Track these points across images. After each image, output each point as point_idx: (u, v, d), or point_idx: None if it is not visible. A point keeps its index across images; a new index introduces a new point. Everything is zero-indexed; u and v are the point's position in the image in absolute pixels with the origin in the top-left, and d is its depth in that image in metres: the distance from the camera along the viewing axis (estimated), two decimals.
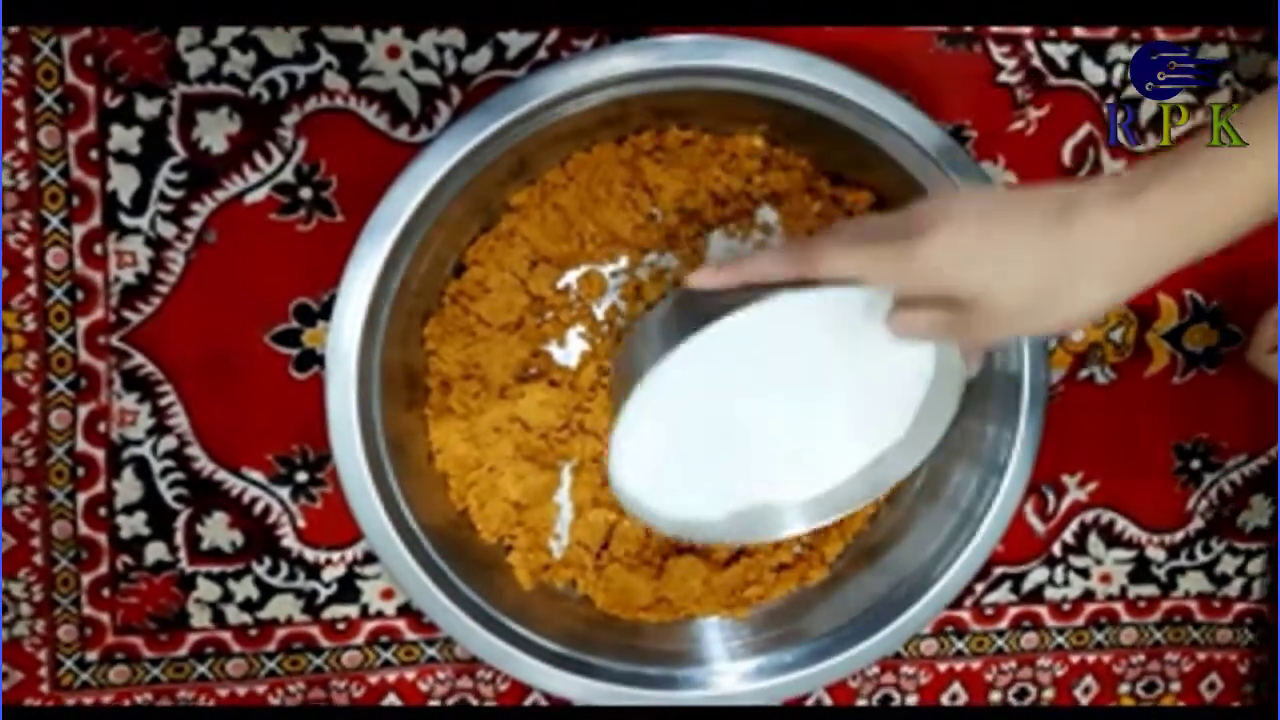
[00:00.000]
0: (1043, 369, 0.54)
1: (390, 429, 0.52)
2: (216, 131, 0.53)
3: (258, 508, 0.57)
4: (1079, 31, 0.58)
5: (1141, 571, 0.65)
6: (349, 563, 0.58)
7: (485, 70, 0.54)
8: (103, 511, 0.55)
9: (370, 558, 0.58)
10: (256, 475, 0.56)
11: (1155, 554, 0.65)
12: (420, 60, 0.53)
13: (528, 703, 0.62)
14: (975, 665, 0.65)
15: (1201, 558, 0.66)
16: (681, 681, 0.56)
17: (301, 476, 0.57)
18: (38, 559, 0.55)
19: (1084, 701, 0.67)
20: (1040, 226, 0.37)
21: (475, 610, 0.53)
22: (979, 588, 0.64)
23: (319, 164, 0.54)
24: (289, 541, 0.57)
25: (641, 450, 0.44)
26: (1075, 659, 0.66)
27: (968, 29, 0.57)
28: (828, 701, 0.64)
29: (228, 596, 0.57)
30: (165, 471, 0.56)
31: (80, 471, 0.55)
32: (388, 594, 0.59)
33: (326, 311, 0.55)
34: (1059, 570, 0.64)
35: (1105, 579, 0.65)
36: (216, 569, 0.57)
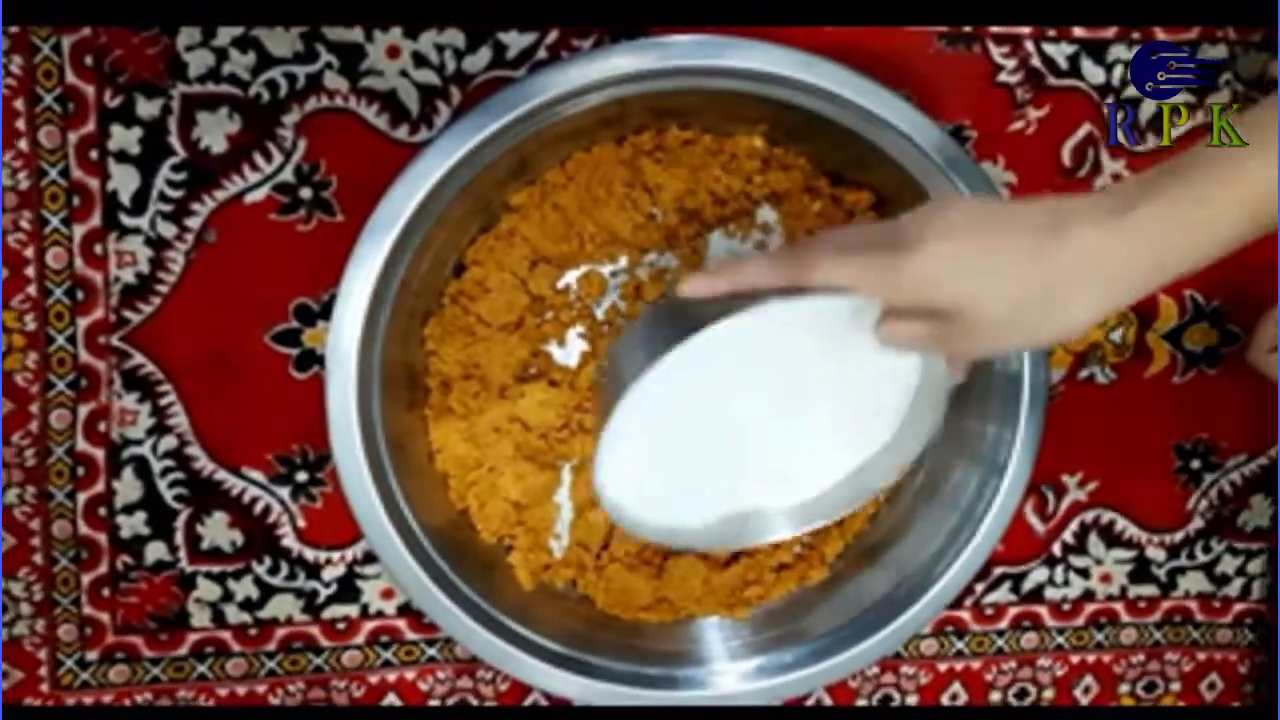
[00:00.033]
0: (1043, 369, 0.54)
1: (390, 429, 0.52)
2: (216, 131, 0.53)
3: (258, 507, 0.57)
4: (1078, 31, 0.58)
5: (1141, 571, 0.65)
6: (349, 562, 0.58)
7: (485, 70, 0.54)
8: (103, 511, 0.56)
9: (370, 557, 0.58)
10: (256, 475, 0.56)
11: (1155, 554, 0.65)
12: (420, 60, 0.53)
13: (528, 702, 0.62)
14: (975, 665, 0.65)
15: (1201, 558, 0.66)
16: (681, 681, 0.56)
17: (301, 476, 0.57)
18: (38, 558, 0.55)
19: (1084, 701, 0.67)
20: (1029, 242, 0.37)
21: (475, 610, 0.53)
22: (979, 588, 0.64)
23: (319, 164, 0.54)
24: (289, 541, 0.57)
25: (628, 460, 0.44)
26: (1075, 659, 0.66)
27: (967, 29, 0.57)
28: (828, 701, 0.64)
29: (228, 596, 0.57)
30: (165, 471, 0.56)
31: (80, 471, 0.55)
32: (388, 594, 0.59)
33: (326, 311, 0.55)
34: (1059, 570, 0.64)
35: (1105, 579, 0.65)
36: (216, 569, 0.57)
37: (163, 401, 0.55)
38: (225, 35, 0.52)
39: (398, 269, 0.50)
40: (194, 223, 0.54)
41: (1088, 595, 0.65)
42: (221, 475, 0.56)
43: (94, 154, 0.52)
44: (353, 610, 0.59)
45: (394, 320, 0.51)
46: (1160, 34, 0.58)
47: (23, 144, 0.51)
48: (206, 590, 0.57)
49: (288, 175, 0.54)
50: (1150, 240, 0.36)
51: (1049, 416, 0.55)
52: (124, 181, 0.53)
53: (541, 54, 0.54)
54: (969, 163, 0.52)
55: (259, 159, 0.53)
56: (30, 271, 0.53)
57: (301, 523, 0.57)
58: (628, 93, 0.49)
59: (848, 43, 0.53)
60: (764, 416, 0.46)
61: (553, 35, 0.54)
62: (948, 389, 0.46)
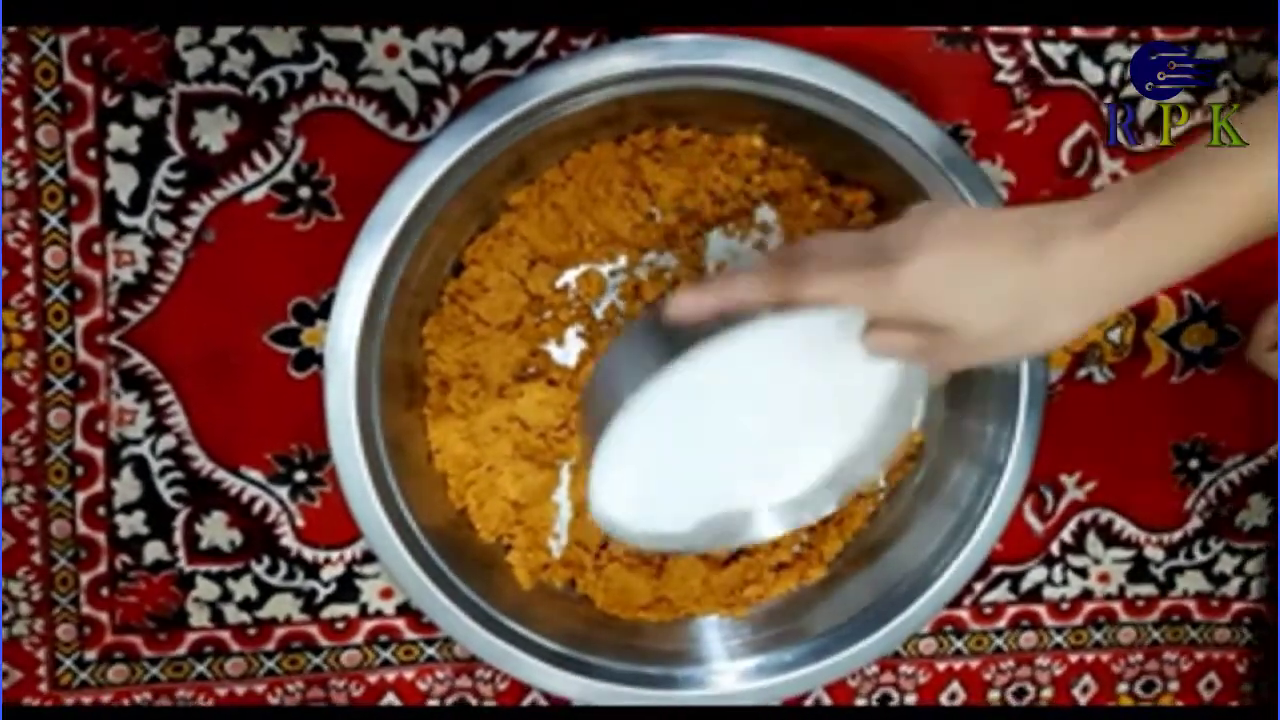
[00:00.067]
0: (1041, 368, 0.54)
1: (389, 428, 0.52)
2: (215, 131, 0.53)
3: (256, 507, 0.57)
4: (1077, 31, 0.58)
5: (1140, 571, 0.66)
6: (348, 562, 0.58)
7: (484, 69, 0.54)
8: (101, 511, 0.55)
9: (369, 557, 0.58)
10: (255, 474, 0.56)
11: (1154, 553, 0.65)
12: (419, 59, 0.53)
13: (527, 702, 0.62)
14: (974, 664, 0.65)
15: (1200, 557, 0.66)
16: (681, 681, 0.56)
17: (300, 476, 0.57)
18: (36, 558, 0.55)
19: (1082, 701, 0.67)
20: (1016, 257, 0.37)
21: (474, 609, 0.53)
22: (977, 587, 0.64)
23: (318, 163, 0.54)
24: (288, 541, 0.57)
25: (620, 478, 0.45)
26: (1074, 658, 0.66)
27: (966, 29, 0.57)
28: (827, 701, 0.64)
29: (226, 596, 0.57)
30: (164, 471, 0.56)
31: (79, 470, 0.55)
32: (387, 593, 0.59)
33: (325, 311, 0.55)
34: (1057, 569, 0.64)
35: (1104, 578, 0.65)
36: (215, 568, 0.57)
37: (161, 401, 0.55)
38: (224, 34, 0.52)
39: (396, 268, 0.50)
40: (192, 222, 0.54)
41: (1086, 595, 0.65)
42: (220, 475, 0.56)
43: (92, 153, 0.52)
44: (352, 610, 0.59)
45: (393, 319, 0.51)
46: (1159, 34, 0.58)
47: (21, 143, 0.51)
48: (205, 590, 0.57)
49: (286, 174, 0.54)
50: (1135, 253, 0.37)
51: (1047, 416, 0.55)
52: (122, 181, 0.53)
53: (540, 53, 0.54)
54: (968, 162, 0.52)
55: (258, 158, 0.53)
56: (29, 271, 0.53)
57: (300, 522, 0.57)
58: (627, 92, 0.49)
59: (847, 42, 0.53)
60: (750, 420, 0.47)
61: (551, 34, 0.54)
62: (927, 387, 0.47)
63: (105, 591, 0.56)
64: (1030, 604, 0.65)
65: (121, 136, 0.52)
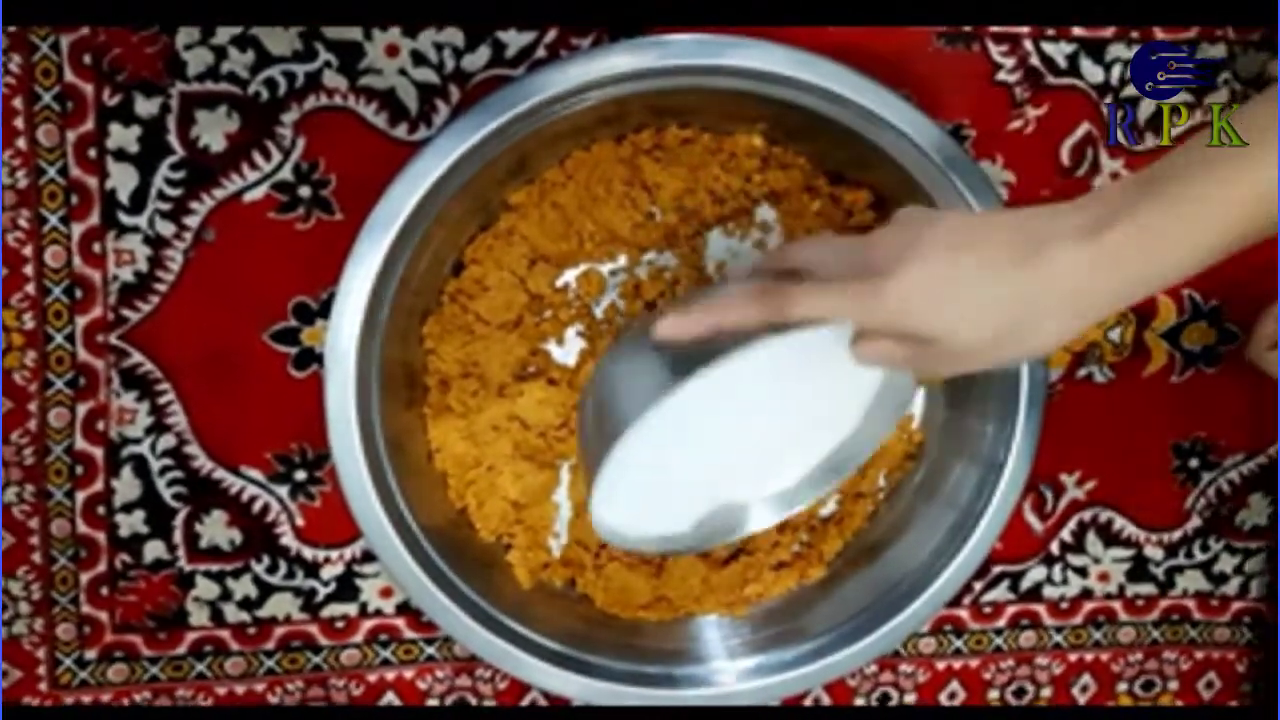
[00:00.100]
0: (1041, 368, 0.54)
1: (389, 427, 0.52)
2: (215, 130, 0.53)
3: (256, 506, 0.57)
4: (1077, 30, 0.58)
5: (1139, 570, 0.66)
6: (348, 561, 0.58)
7: (484, 69, 0.54)
8: (101, 510, 0.55)
9: (369, 556, 0.58)
10: (255, 474, 0.56)
11: (1153, 553, 0.65)
12: (419, 59, 0.53)
13: (527, 701, 0.62)
14: (973, 664, 0.65)
15: (1199, 556, 0.66)
16: (680, 680, 0.56)
17: (300, 475, 0.57)
18: (36, 557, 0.55)
19: (1082, 700, 0.67)
20: (1005, 267, 0.37)
21: (474, 609, 0.53)
22: (977, 586, 0.64)
23: (318, 162, 0.54)
24: (288, 540, 0.57)
25: (621, 494, 0.45)
26: (1073, 657, 0.66)
27: (966, 28, 0.57)
28: (826, 700, 0.64)
29: (226, 595, 0.57)
30: (164, 470, 0.56)
31: (79, 470, 0.55)
32: (386, 592, 0.59)
33: (325, 310, 0.55)
34: (1057, 569, 0.65)
35: (1103, 578, 0.65)
36: (215, 567, 0.57)
37: (161, 400, 0.55)
38: (224, 34, 0.52)
39: (396, 267, 0.50)
40: (193, 221, 0.53)
41: (1086, 594, 0.65)
42: (220, 474, 0.56)
43: (92, 152, 0.52)
44: (351, 609, 0.59)
45: (393, 319, 0.51)
46: (1159, 33, 0.58)
47: (21, 142, 0.51)
48: (205, 589, 0.57)
49: (286, 174, 0.54)
50: (1128, 259, 0.36)
51: (1047, 415, 0.55)
52: (123, 180, 0.53)
53: (540, 52, 0.54)
54: (968, 162, 0.52)
55: (258, 157, 0.53)
56: (29, 270, 0.53)
57: (300, 521, 0.57)
58: (627, 91, 0.49)
59: (847, 42, 0.53)
60: (745, 427, 0.47)
61: (552, 34, 0.54)
62: (913, 381, 0.47)
63: (105, 591, 0.56)
64: (1030, 603, 0.65)
65: (122, 136, 0.52)
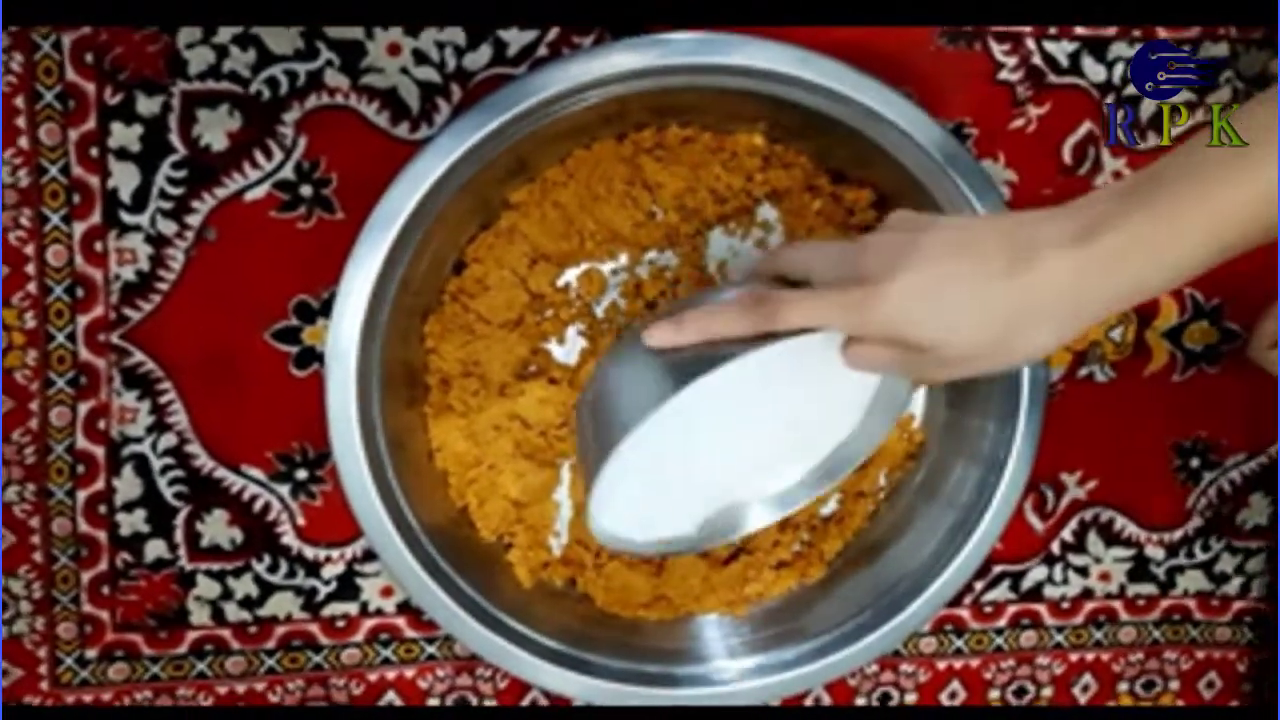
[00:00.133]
0: (1042, 367, 0.54)
1: (390, 427, 0.52)
2: (217, 129, 0.53)
3: (257, 505, 0.57)
4: (1079, 29, 0.58)
5: (1140, 570, 0.66)
6: (348, 560, 0.58)
7: (486, 67, 0.54)
8: (102, 509, 0.55)
9: (370, 555, 0.58)
10: (256, 473, 0.56)
11: (1154, 552, 0.65)
12: (420, 57, 0.53)
13: (527, 700, 0.62)
14: (974, 663, 0.65)
15: (1200, 556, 0.66)
16: (681, 679, 0.56)
17: (301, 474, 0.57)
18: (37, 556, 0.55)
19: (1082, 700, 0.67)
20: (997, 275, 0.37)
21: (475, 608, 0.53)
22: (978, 586, 0.64)
23: (319, 161, 0.54)
24: (289, 539, 0.57)
25: (619, 499, 0.46)
26: (1074, 657, 0.66)
27: (968, 28, 0.57)
28: (827, 700, 0.64)
29: (227, 594, 0.57)
30: (165, 469, 0.56)
31: (80, 469, 0.55)
32: (387, 591, 0.59)
33: (326, 309, 0.55)
34: (1058, 568, 0.64)
35: (1104, 577, 0.65)
36: (216, 566, 0.57)
37: (162, 399, 0.55)
38: (226, 33, 0.52)
39: (397, 266, 0.50)
40: (194, 220, 0.54)
41: (1087, 594, 0.65)
42: (221, 473, 0.56)
43: (94, 151, 0.52)
44: (352, 608, 0.59)
45: (394, 318, 0.51)
46: (1161, 32, 0.58)
47: (23, 141, 0.51)
48: (206, 588, 0.57)
49: (288, 173, 0.54)
50: (1120, 266, 0.36)
51: (1048, 415, 0.55)
52: (124, 179, 0.53)
53: (542, 51, 0.54)
54: (969, 161, 0.52)
55: (259, 156, 0.53)
56: (30, 269, 0.53)
57: (301, 520, 0.57)
58: (628, 90, 0.49)
59: (848, 40, 0.53)
60: (742, 431, 0.47)
61: (553, 32, 0.54)
62: (909, 384, 0.47)
63: (106, 590, 0.56)
64: (1031, 603, 0.65)
65: (123, 135, 0.52)
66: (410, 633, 0.59)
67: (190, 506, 0.56)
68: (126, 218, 0.53)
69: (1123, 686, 0.67)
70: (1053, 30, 0.57)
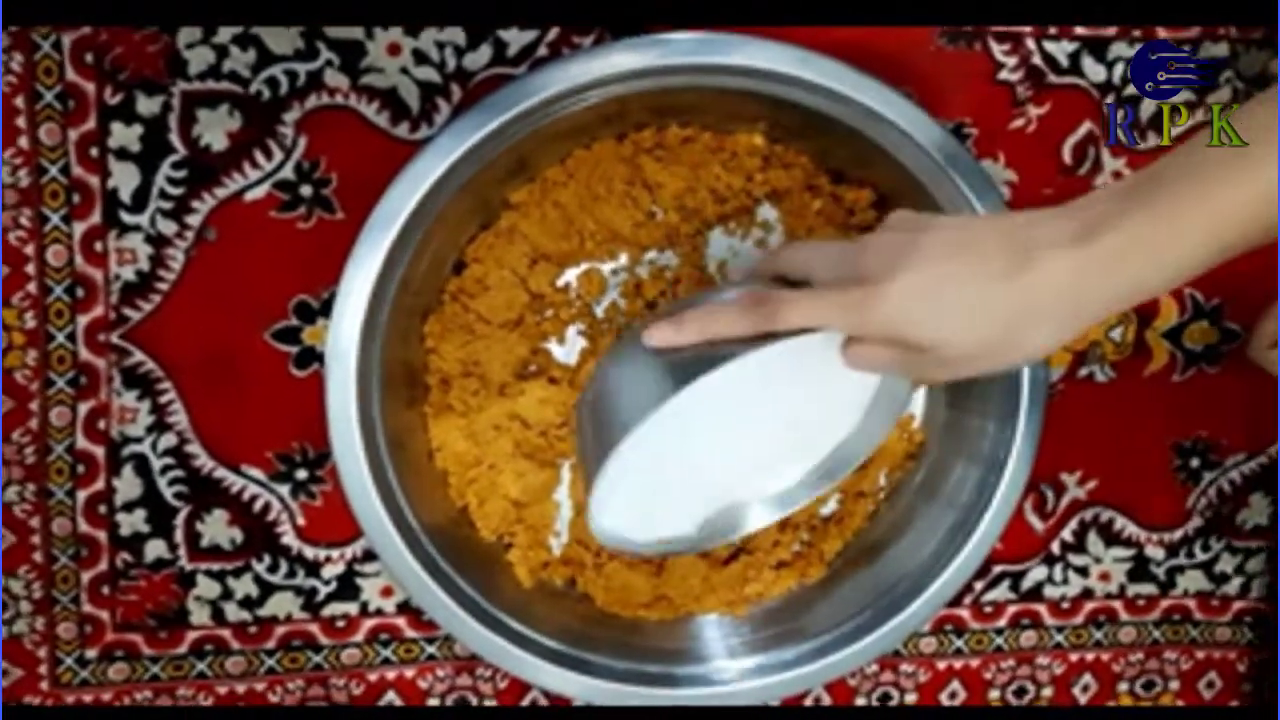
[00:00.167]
0: (1042, 367, 0.54)
1: (390, 426, 0.52)
2: (217, 129, 0.53)
3: (257, 505, 0.57)
4: (1080, 29, 0.58)
5: (1140, 570, 0.65)
6: (348, 560, 0.58)
7: (486, 67, 0.54)
8: (102, 509, 0.55)
9: (370, 555, 0.58)
10: (256, 473, 0.56)
11: (1154, 552, 0.65)
12: (420, 57, 0.53)
13: (527, 700, 0.62)
14: (974, 663, 0.65)
15: (1200, 556, 0.66)
16: (681, 679, 0.56)
17: (301, 474, 0.57)
18: (37, 556, 0.55)
19: (1083, 700, 0.67)
20: (996, 275, 0.37)
21: (475, 608, 0.53)
22: (978, 586, 0.64)
23: (319, 161, 0.54)
24: (289, 539, 0.57)
25: (619, 500, 0.46)
26: (1074, 657, 0.66)
27: (968, 27, 0.57)
28: (827, 700, 0.64)
29: (227, 594, 0.57)
30: (165, 469, 0.56)
31: (80, 469, 0.55)
32: (387, 591, 0.59)
33: (326, 309, 0.55)
34: (1058, 568, 0.64)
35: (1104, 577, 0.65)
36: (216, 566, 0.57)
37: (162, 399, 0.55)
38: (226, 33, 0.52)
39: (397, 266, 0.50)
40: (194, 220, 0.54)
41: (1087, 594, 0.65)
42: (221, 473, 0.56)
43: (94, 151, 0.52)
44: (352, 608, 0.59)
45: (394, 318, 0.51)
46: (1161, 32, 0.58)
47: (23, 141, 0.51)
48: (206, 588, 0.57)
49: (288, 173, 0.54)
50: (1119, 267, 0.36)
51: (1048, 415, 0.55)
52: (124, 179, 0.53)
53: (542, 51, 0.54)
54: (969, 160, 0.52)
55: (259, 156, 0.53)
56: (30, 269, 0.53)
57: (301, 520, 0.57)
58: (628, 90, 0.49)
59: (848, 40, 0.53)
60: (742, 431, 0.47)
61: (553, 32, 0.54)
62: (909, 383, 0.47)
63: (106, 590, 0.56)
64: (1031, 603, 0.65)
65: (123, 135, 0.52)
66: (410, 633, 0.59)
67: (190, 506, 0.56)
68: (126, 218, 0.53)
69: (1123, 686, 0.67)
70: (1053, 30, 0.57)
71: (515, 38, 0.54)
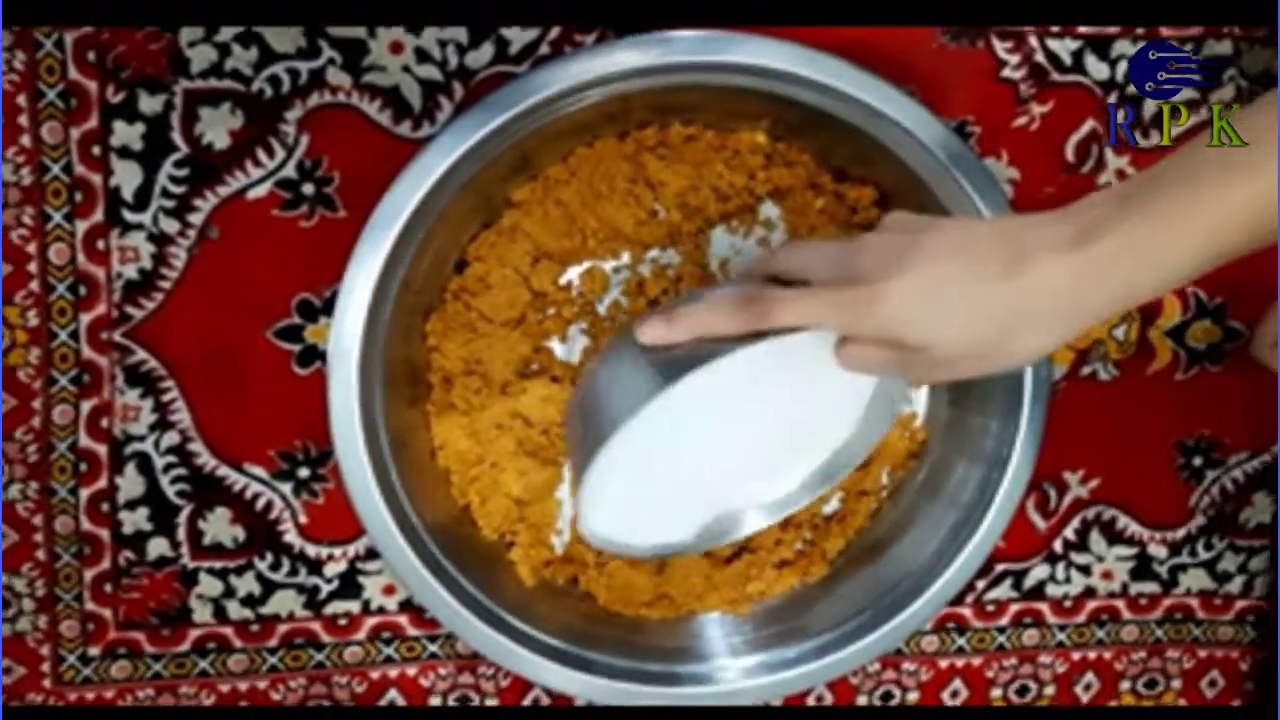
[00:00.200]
0: (1045, 365, 0.54)
1: (392, 425, 0.52)
2: (219, 127, 0.53)
3: (260, 503, 0.57)
4: (1082, 27, 0.58)
5: (1143, 568, 0.65)
6: (351, 558, 0.58)
7: (488, 66, 0.54)
8: (105, 507, 0.56)
9: (372, 554, 0.58)
10: (258, 471, 0.56)
11: (1157, 551, 0.65)
12: (423, 56, 0.53)
13: (529, 698, 0.62)
14: (976, 662, 0.65)
15: (1203, 555, 0.66)
16: (683, 678, 0.56)
17: (303, 472, 0.57)
18: (40, 554, 0.56)
19: (1085, 698, 0.67)
20: (992, 278, 0.37)
21: (477, 606, 0.53)
22: (980, 584, 0.64)
23: (321, 160, 0.54)
24: (291, 537, 0.58)
25: (606, 499, 0.45)
26: (1076, 656, 0.66)
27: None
28: (829, 698, 0.64)
29: (229, 592, 0.57)
30: (167, 467, 0.56)
31: (83, 467, 0.55)
32: (389, 590, 0.59)
33: (329, 307, 0.55)
34: (1060, 567, 0.64)
35: (1107, 576, 0.65)
36: (218, 564, 0.57)
37: (165, 397, 0.55)
38: (228, 31, 0.52)
39: (400, 265, 0.50)
40: (196, 219, 0.54)
41: (1089, 592, 0.65)
42: (224, 471, 0.56)
43: (96, 150, 0.52)
44: (354, 606, 0.59)
45: (396, 316, 0.51)
46: (1164, 30, 0.58)
47: (25, 140, 0.51)
48: (208, 586, 0.57)
49: (290, 171, 0.54)
50: (1111, 273, 0.36)
51: (1051, 413, 0.55)
52: (126, 177, 0.53)
53: (544, 49, 0.54)
54: (972, 159, 0.52)
55: (261, 155, 0.53)
56: (33, 267, 0.53)
57: (303, 519, 0.57)
58: (630, 88, 0.49)
59: (851, 38, 0.53)
60: (735, 432, 0.47)
61: (555, 30, 0.54)
62: (905, 383, 0.47)
63: (108, 588, 0.56)
64: (1033, 601, 0.65)
65: (125, 133, 0.52)
66: (412, 631, 0.60)
67: (193, 505, 0.56)
68: (129, 216, 0.53)
69: (1125, 685, 0.67)
70: (1055, 28, 0.57)
71: (517, 36, 0.54)
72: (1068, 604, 0.65)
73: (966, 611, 0.64)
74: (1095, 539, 0.65)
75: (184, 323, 0.54)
